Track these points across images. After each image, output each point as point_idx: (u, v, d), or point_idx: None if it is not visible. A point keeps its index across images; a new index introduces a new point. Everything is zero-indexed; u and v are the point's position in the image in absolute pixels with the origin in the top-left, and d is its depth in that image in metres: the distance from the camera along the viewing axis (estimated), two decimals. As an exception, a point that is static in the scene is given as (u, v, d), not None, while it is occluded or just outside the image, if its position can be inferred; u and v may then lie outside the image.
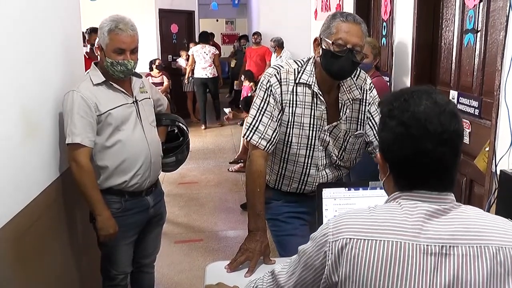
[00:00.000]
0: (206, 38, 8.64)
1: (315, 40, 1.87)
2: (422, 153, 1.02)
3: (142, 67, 6.28)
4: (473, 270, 0.98)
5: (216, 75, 8.52)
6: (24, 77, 1.94)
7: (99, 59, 2.24)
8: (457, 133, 1.04)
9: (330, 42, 1.78)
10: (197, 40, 9.23)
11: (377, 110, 1.98)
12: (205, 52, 8.35)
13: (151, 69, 7.93)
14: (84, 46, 6.02)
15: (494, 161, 2.14)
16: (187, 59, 8.79)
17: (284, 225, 2.05)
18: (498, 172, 2.02)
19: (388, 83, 3.63)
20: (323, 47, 1.82)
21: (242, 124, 5.92)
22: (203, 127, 8.58)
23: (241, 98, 7.72)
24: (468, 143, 2.62)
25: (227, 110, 6.04)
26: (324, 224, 1.11)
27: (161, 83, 7.90)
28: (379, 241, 1.01)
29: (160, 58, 8.31)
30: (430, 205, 1.03)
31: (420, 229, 1.01)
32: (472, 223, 1.02)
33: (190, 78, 8.62)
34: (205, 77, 8.39)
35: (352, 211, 1.10)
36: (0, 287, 1.68)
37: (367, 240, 1.01)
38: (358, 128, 1.98)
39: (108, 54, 2.14)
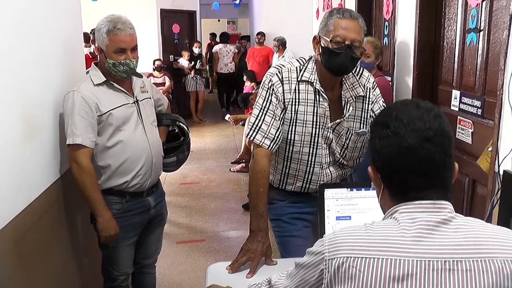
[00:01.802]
0: (227, 38, 10.08)
1: (314, 38, 1.88)
2: (408, 150, 1.01)
3: (144, 67, 6.28)
4: (478, 285, 0.95)
5: (235, 70, 9.78)
6: (25, 79, 1.93)
7: (98, 60, 2.23)
8: (443, 132, 1.02)
9: (328, 39, 1.79)
10: (199, 39, 9.91)
11: (380, 108, 1.97)
12: (227, 51, 9.72)
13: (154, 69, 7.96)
14: (88, 46, 6.07)
15: (497, 161, 2.12)
16: (189, 59, 8.85)
17: (287, 226, 2.04)
18: (501, 173, 2.01)
19: (390, 83, 3.62)
20: (322, 45, 1.83)
21: (243, 124, 5.91)
22: (227, 116, 8.41)
23: None
24: (470, 143, 2.61)
25: (227, 117, 6.05)
26: (320, 240, 1.08)
27: (163, 83, 7.90)
28: (377, 259, 0.98)
29: (161, 59, 8.30)
30: (429, 217, 1.00)
31: (420, 244, 0.98)
32: (476, 236, 0.99)
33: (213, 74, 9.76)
34: (226, 72, 9.77)
35: (348, 228, 1.07)
36: (1, 287, 1.68)
37: (365, 258, 0.99)
38: (361, 127, 1.97)
39: (109, 55, 2.13)
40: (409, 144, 1.01)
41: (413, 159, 1.01)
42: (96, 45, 2.19)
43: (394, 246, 0.98)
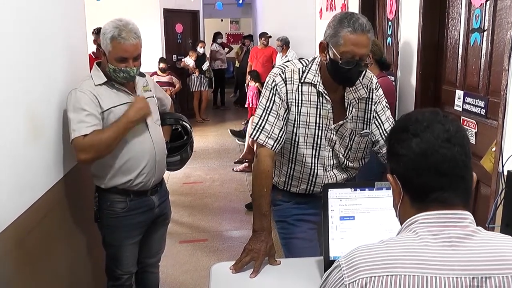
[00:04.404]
0: (214, 37, 11.00)
1: (321, 44, 1.83)
2: (429, 151, 1.00)
3: (148, 67, 6.28)
4: None
5: (224, 67, 10.96)
6: (28, 79, 1.94)
7: (102, 60, 2.23)
8: (461, 133, 1.03)
9: (338, 54, 1.74)
10: (202, 39, 9.98)
11: (383, 109, 1.97)
12: (212, 49, 10.84)
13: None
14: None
15: (500, 161, 2.12)
16: (196, 59, 8.92)
17: (293, 227, 2.04)
18: (505, 173, 2.00)
19: (394, 83, 3.61)
20: (330, 56, 1.78)
21: (246, 124, 5.92)
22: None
23: (247, 100, 7.74)
24: (474, 143, 2.60)
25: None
26: (335, 266, 1.03)
27: (167, 82, 7.90)
28: (404, 276, 0.93)
29: (165, 61, 8.29)
30: (451, 231, 0.98)
31: (445, 260, 0.94)
32: (504, 251, 0.96)
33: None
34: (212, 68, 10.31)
35: (364, 247, 1.02)
36: (5, 287, 1.68)
37: (389, 276, 0.94)
38: (364, 128, 1.97)
39: (111, 61, 2.12)
40: (430, 144, 1.00)
41: (434, 159, 1.00)
42: (101, 47, 2.17)
43: (419, 262, 0.95)
